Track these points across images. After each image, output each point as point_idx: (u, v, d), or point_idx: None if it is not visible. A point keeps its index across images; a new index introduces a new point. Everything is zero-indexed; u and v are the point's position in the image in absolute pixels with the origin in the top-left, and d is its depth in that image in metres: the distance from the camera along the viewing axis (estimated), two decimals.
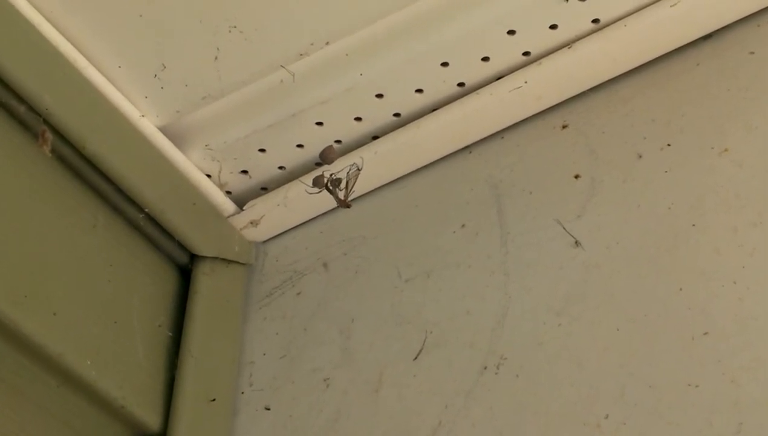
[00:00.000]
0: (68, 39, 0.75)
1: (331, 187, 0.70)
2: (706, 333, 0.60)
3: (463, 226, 0.77)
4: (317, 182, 0.75)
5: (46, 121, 0.70)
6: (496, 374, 0.66)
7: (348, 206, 0.71)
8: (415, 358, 0.71)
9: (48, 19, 0.73)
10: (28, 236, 0.68)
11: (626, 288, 0.65)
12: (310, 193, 0.73)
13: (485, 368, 0.67)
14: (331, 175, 0.71)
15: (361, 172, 0.71)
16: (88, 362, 0.68)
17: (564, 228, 0.71)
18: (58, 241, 0.71)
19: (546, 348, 0.65)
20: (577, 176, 0.74)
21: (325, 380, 0.75)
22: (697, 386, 0.58)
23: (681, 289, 0.63)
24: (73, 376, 0.67)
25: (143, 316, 0.76)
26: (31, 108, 0.68)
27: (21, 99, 0.69)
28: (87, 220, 0.75)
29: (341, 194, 0.71)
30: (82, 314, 0.70)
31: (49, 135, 0.63)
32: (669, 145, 0.71)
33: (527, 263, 0.71)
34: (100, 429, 0.70)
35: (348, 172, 0.70)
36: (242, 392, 0.78)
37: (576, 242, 0.70)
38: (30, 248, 0.68)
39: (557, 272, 0.69)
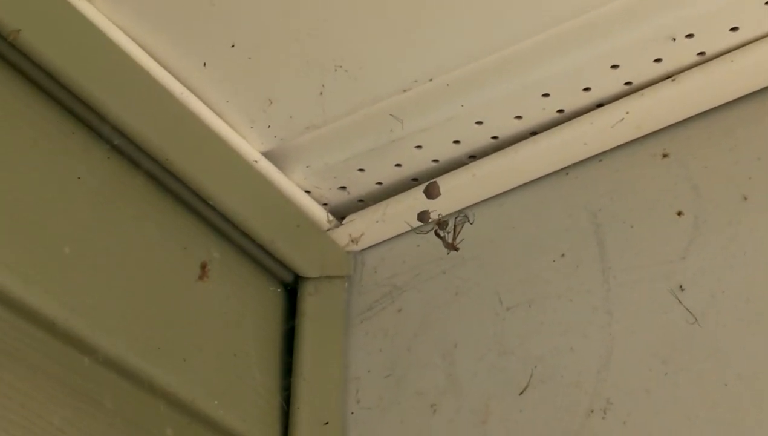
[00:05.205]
0: (180, 80, 0.77)
1: (439, 232, 0.72)
2: None
3: (562, 255, 0.79)
4: (422, 217, 0.77)
5: (166, 169, 0.73)
6: (603, 418, 0.70)
7: (456, 250, 0.73)
8: (521, 393, 0.74)
9: (160, 63, 0.75)
10: (155, 285, 0.71)
11: (733, 342, 0.67)
12: (418, 233, 0.76)
13: (592, 411, 0.70)
14: (439, 215, 0.74)
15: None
16: (216, 402, 0.72)
17: (668, 270, 0.72)
18: (179, 282, 0.75)
19: (653, 397, 0.68)
20: (679, 213, 0.75)
21: (431, 406, 0.79)
22: None
23: None
24: (203, 416, 0.72)
25: (257, 344, 0.80)
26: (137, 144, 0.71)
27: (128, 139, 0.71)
28: (203, 256, 0.78)
29: (449, 237, 0.73)
30: (207, 354, 0.74)
31: (209, 268, 0.66)
32: None
33: (630, 302, 0.73)
34: None
35: (456, 218, 0.73)
36: (352, 412, 0.82)
37: (680, 287, 0.71)
38: (157, 296, 0.71)
39: (662, 317, 0.71)
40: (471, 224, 0.73)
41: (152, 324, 0.69)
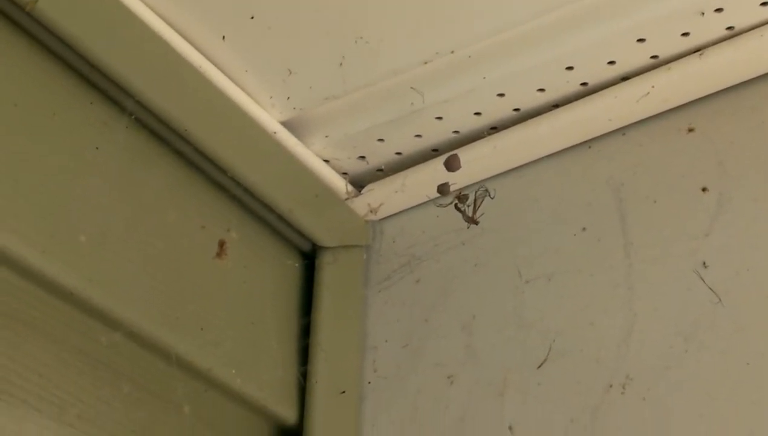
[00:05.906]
0: (199, 50, 0.76)
1: (459, 205, 0.72)
2: None
3: (584, 229, 0.79)
4: (442, 190, 0.76)
5: (185, 139, 0.73)
6: (622, 393, 0.69)
7: (476, 223, 0.73)
8: (540, 366, 0.74)
9: (179, 33, 0.74)
10: (173, 256, 0.71)
11: (756, 320, 0.66)
12: (438, 206, 0.75)
13: (611, 386, 0.70)
14: (459, 191, 0.73)
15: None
16: (233, 371, 0.73)
17: (691, 247, 0.71)
18: (199, 252, 0.74)
19: (673, 374, 0.68)
20: (704, 189, 0.74)
21: (449, 377, 0.79)
22: None
23: None
24: (220, 385, 0.72)
25: (275, 312, 0.81)
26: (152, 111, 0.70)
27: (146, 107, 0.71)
28: (222, 225, 0.78)
29: (469, 211, 0.72)
30: (224, 322, 0.74)
31: (227, 246, 0.65)
32: None
33: (652, 279, 0.73)
34: (242, 426, 0.76)
35: (476, 192, 0.72)
36: (369, 382, 0.82)
37: (704, 264, 0.71)
38: (175, 268, 0.71)
39: (684, 294, 0.70)
40: (492, 198, 0.73)
41: (170, 294, 0.69)
